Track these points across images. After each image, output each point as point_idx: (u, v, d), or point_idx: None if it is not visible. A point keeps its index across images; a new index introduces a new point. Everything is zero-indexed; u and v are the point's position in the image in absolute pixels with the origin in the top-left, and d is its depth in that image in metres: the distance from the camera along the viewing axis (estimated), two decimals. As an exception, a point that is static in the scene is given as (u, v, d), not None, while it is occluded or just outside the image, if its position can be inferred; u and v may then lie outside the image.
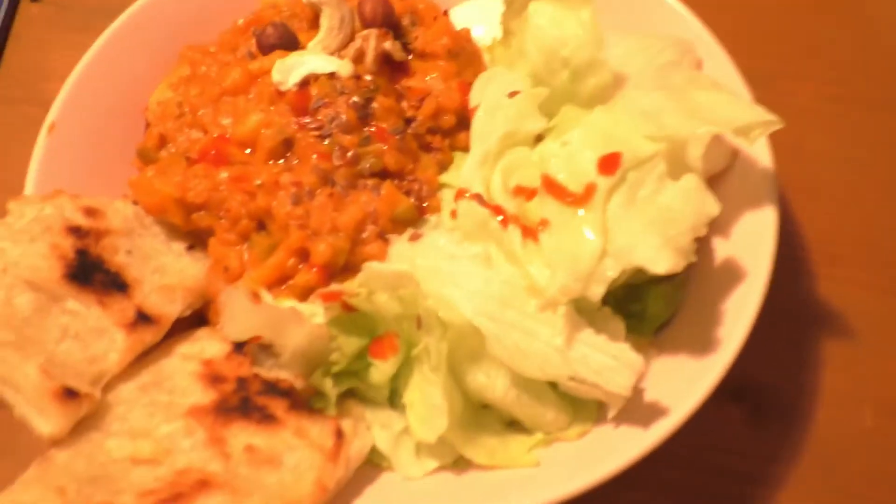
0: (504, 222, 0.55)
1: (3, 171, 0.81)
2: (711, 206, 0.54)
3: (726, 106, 0.56)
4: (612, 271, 0.52)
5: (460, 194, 0.57)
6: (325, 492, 0.48)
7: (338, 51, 0.68)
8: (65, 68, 0.88)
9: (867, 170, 0.81)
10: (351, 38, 0.69)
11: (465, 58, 0.69)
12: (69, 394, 0.49)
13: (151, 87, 0.73)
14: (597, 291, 0.52)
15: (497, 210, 0.56)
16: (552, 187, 0.55)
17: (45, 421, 0.47)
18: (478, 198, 0.56)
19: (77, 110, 0.68)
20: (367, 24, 0.68)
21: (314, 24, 0.71)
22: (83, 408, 0.49)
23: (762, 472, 0.66)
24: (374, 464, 0.55)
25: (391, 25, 0.69)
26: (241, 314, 0.51)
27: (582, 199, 0.54)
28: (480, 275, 0.54)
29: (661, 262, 0.50)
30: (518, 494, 0.52)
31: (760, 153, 0.62)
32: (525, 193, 0.57)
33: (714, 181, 0.62)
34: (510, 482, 0.53)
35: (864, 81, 0.87)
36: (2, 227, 0.56)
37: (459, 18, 0.75)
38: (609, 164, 0.54)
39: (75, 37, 0.92)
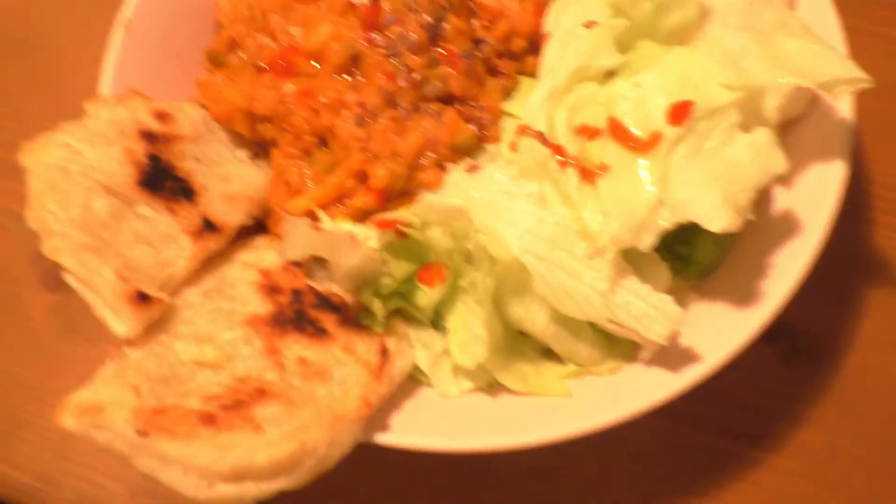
0: (563, 164, 0.55)
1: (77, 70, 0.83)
2: (779, 163, 0.52)
3: (815, 57, 0.53)
4: (665, 222, 0.52)
5: (523, 130, 0.56)
6: (369, 407, 0.52)
7: (410, -42, 0.66)
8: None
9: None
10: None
11: (544, -30, 0.66)
12: (142, 297, 0.53)
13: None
14: (647, 241, 0.52)
15: (558, 150, 0.55)
16: (617, 131, 0.55)
17: (121, 323, 0.52)
18: (540, 136, 0.56)
19: (152, 7, 0.69)
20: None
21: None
22: (155, 311, 0.54)
23: (787, 410, 0.68)
24: (414, 379, 0.59)
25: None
26: (301, 239, 0.53)
27: (646, 145, 0.54)
28: (534, 213, 0.55)
29: (718, 220, 0.50)
30: (548, 422, 0.55)
31: (842, 105, 0.59)
32: (588, 133, 0.56)
33: (787, 127, 0.60)
34: (541, 409, 0.57)
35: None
36: (80, 129, 0.59)
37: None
38: (679, 113, 0.53)
39: None
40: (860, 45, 0.77)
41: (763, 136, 0.52)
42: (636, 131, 0.54)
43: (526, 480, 0.65)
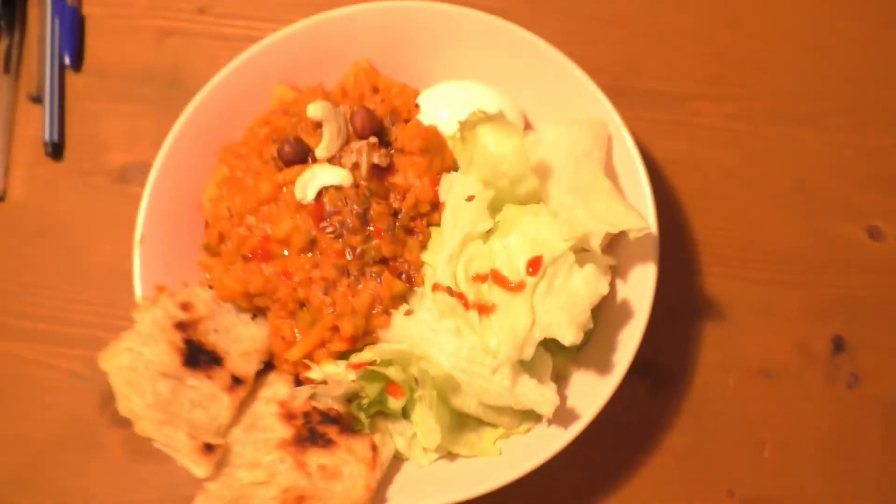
0: (466, 306, 0.82)
1: (83, 235, 1.07)
2: (603, 287, 0.80)
3: (615, 214, 0.80)
4: (539, 338, 0.80)
5: (435, 287, 0.83)
6: (371, 492, 0.80)
7: (338, 153, 0.91)
8: (118, 139, 1.12)
9: (755, 181, 1.04)
10: (347, 141, 0.92)
11: (434, 149, 0.91)
12: (208, 447, 0.79)
13: (201, 184, 0.97)
14: (529, 352, 0.79)
15: (461, 297, 0.82)
16: (497, 278, 0.82)
17: (199, 468, 0.78)
18: (448, 290, 0.82)
19: (157, 214, 0.93)
20: (358, 135, 0.91)
21: (317, 127, 0.93)
22: (218, 454, 0.80)
23: (656, 423, 0.96)
24: (396, 458, 0.87)
25: (378, 133, 0.91)
26: (306, 392, 0.81)
27: (517, 288, 0.80)
28: (453, 342, 0.82)
29: (569, 336, 0.78)
30: (491, 475, 0.83)
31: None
32: (480, 279, 0.83)
33: (613, 240, 0.88)
34: (484, 466, 0.85)
35: (768, 97, 1.06)
36: (134, 335, 0.84)
37: (426, 103, 0.96)
38: (534, 265, 0.80)
39: (120, 107, 1.14)
40: (682, 134, 1.06)
41: (591, 270, 0.80)
42: (510, 277, 0.81)
43: None
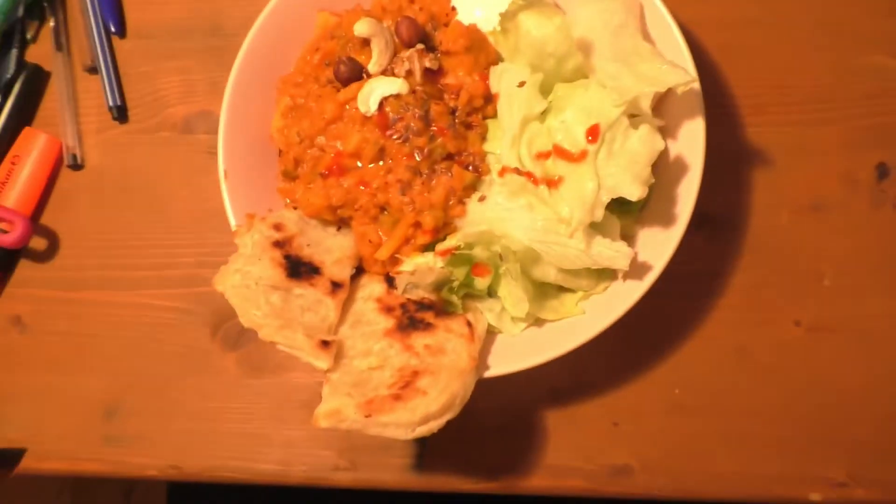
0: (535, 182, 0.89)
1: (161, 186, 1.16)
2: (659, 143, 0.86)
3: (661, 72, 0.86)
4: (606, 199, 0.87)
5: (504, 171, 0.90)
6: (474, 360, 0.89)
7: (389, 65, 0.97)
8: (174, 93, 1.19)
9: (778, 27, 1.08)
10: (395, 53, 0.98)
11: (477, 46, 0.97)
12: (325, 343, 0.88)
13: (267, 118, 1.04)
14: (599, 215, 0.86)
15: (529, 175, 0.89)
16: (560, 152, 0.88)
17: (321, 361, 0.87)
18: (516, 170, 0.89)
19: (234, 152, 1.00)
20: (405, 44, 0.97)
21: (365, 44, 0.99)
22: (334, 348, 0.89)
23: (716, 269, 1.05)
24: (490, 332, 0.95)
25: (423, 40, 0.97)
26: (405, 280, 0.89)
27: (580, 157, 0.87)
28: (528, 217, 0.89)
29: (635, 192, 0.85)
30: (579, 332, 0.92)
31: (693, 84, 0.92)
32: (544, 156, 0.90)
33: (661, 101, 0.93)
34: (572, 325, 0.93)
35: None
36: (240, 258, 0.92)
37: (460, 4, 1.01)
38: (593, 133, 0.86)
39: (169, 63, 1.21)
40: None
41: (645, 130, 0.86)
42: (572, 149, 0.88)
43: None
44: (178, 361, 1.11)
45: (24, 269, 1.17)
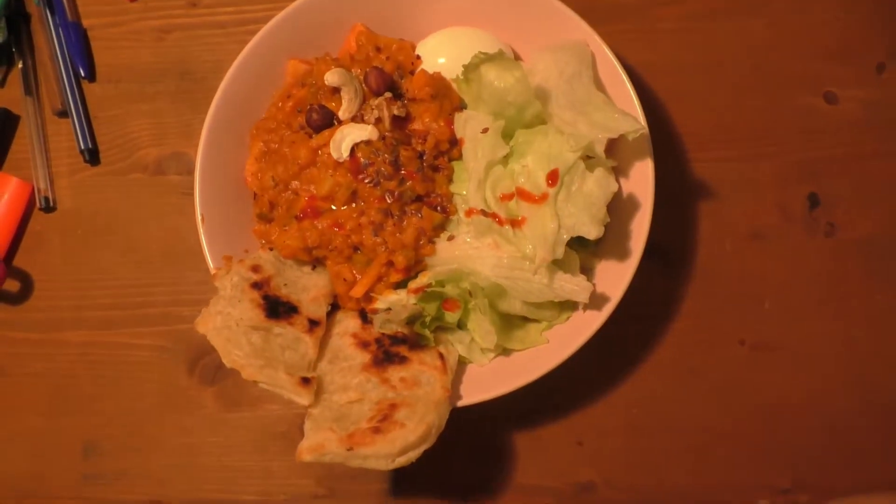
0: (500, 222, 0.95)
1: (134, 227, 1.19)
2: (613, 185, 0.93)
3: (613, 120, 0.93)
4: (566, 238, 0.93)
5: (471, 212, 0.96)
6: (447, 391, 0.94)
7: (358, 112, 1.03)
8: (146, 136, 1.23)
9: (718, 71, 1.17)
10: (364, 100, 1.03)
11: (442, 94, 1.03)
12: (305, 380, 0.93)
13: (240, 163, 1.08)
14: (560, 252, 0.93)
15: (494, 216, 0.96)
16: (522, 194, 0.95)
17: (302, 398, 0.91)
18: (481, 212, 0.96)
19: (210, 197, 1.04)
20: (374, 93, 1.02)
21: (335, 92, 1.04)
22: (314, 385, 0.93)
23: (667, 296, 1.13)
24: (461, 363, 1.01)
25: (390, 88, 1.03)
26: (381, 318, 0.95)
27: (541, 199, 0.94)
28: (494, 255, 0.96)
29: (592, 231, 0.92)
30: (542, 362, 0.98)
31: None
32: (507, 198, 0.96)
33: (612, 144, 1.01)
34: (537, 354, 1.00)
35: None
36: (221, 300, 0.96)
37: (425, 53, 1.08)
38: (552, 178, 0.93)
39: (140, 106, 1.24)
40: (649, 41, 1.18)
41: (600, 173, 0.93)
42: (534, 192, 0.95)
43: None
44: (156, 398, 1.14)
45: (-3, 311, 1.19)
